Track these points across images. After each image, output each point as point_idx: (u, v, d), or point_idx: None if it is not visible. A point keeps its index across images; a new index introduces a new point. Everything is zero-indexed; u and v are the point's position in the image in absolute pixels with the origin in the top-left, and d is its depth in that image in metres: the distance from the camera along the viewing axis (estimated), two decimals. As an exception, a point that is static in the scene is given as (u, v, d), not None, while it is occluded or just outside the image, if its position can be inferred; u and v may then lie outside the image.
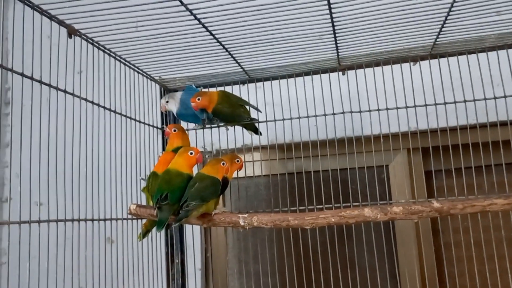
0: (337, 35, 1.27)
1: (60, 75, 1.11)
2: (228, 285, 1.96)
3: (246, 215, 1.21)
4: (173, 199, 1.19)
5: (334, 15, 1.14)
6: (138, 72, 1.49)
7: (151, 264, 1.45)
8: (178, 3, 1.03)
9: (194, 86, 1.58)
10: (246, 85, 1.60)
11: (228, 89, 1.58)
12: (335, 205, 1.41)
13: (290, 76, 1.56)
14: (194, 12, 1.09)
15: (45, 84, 1.09)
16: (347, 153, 1.52)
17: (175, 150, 1.34)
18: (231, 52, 1.36)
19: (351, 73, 1.50)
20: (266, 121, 1.57)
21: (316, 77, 1.54)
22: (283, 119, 1.55)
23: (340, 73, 1.52)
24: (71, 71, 1.14)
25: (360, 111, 1.48)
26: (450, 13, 1.16)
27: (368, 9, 1.09)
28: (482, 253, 1.44)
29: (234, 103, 1.46)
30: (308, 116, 1.52)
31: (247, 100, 1.51)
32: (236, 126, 1.57)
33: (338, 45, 1.34)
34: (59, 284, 1.06)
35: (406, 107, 1.46)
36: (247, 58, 1.42)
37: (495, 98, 1.40)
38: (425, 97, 1.44)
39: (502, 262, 1.40)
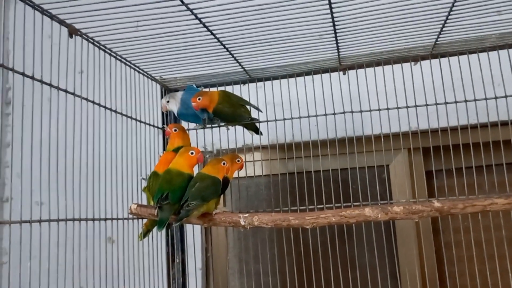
0: (337, 34, 1.27)
1: (61, 74, 1.11)
2: (228, 284, 1.96)
3: (246, 215, 1.21)
4: (174, 199, 1.19)
5: (335, 15, 1.14)
6: (138, 72, 1.49)
7: (151, 264, 1.45)
8: (179, 2, 1.03)
9: (194, 86, 1.58)
10: (246, 84, 1.60)
11: (228, 88, 1.58)
12: (336, 204, 1.41)
13: (290, 75, 1.56)
14: (195, 11, 1.09)
15: (46, 83, 1.09)
16: (348, 153, 1.52)
17: (176, 150, 1.35)
18: (232, 52, 1.36)
19: (351, 72, 1.50)
20: (267, 121, 1.57)
21: (317, 76, 1.54)
22: (284, 119, 1.55)
23: (341, 72, 1.52)
24: (71, 71, 1.15)
25: (361, 111, 1.48)
26: (451, 12, 1.16)
27: (369, 8, 1.09)
28: (483, 252, 1.44)
29: (234, 103, 1.46)
30: (308, 116, 1.52)
31: (247, 100, 1.51)
32: (236, 126, 1.57)
33: (339, 44, 1.34)
34: (60, 283, 1.07)
35: (407, 107, 1.46)
36: (248, 58, 1.42)
37: (496, 98, 1.40)
38: (426, 97, 1.44)
39: (502, 262, 1.39)
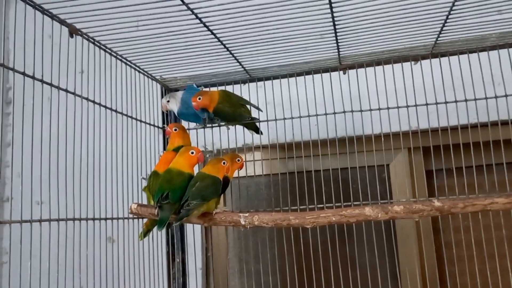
0: (338, 34, 1.27)
1: (62, 74, 1.11)
2: (228, 284, 1.96)
3: (247, 214, 1.21)
4: (174, 198, 1.19)
5: (335, 14, 1.14)
6: (139, 72, 1.49)
7: (152, 264, 1.45)
8: (179, 2, 1.03)
9: (195, 86, 1.58)
10: (247, 84, 1.60)
11: (229, 88, 1.58)
12: (336, 204, 1.41)
13: (291, 75, 1.56)
14: (195, 11, 1.09)
15: (47, 83, 1.09)
16: (348, 152, 1.52)
17: (176, 150, 1.35)
18: (232, 51, 1.36)
19: (352, 72, 1.50)
20: (267, 120, 1.57)
21: (317, 76, 1.54)
22: (284, 119, 1.55)
23: (341, 72, 1.52)
24: (72, 71, 1.15)
25: (361, 110, 1.48)
26: (451, 12, 1.16)
27: (369, 8, 1.09)
28: (483, 252, 1.45)
29: (235, 102, 1.46)
30: (309, 115, 1.52)
31: (248, 100, 1.51)
32: (237, 126, 1.57)
33: (339, 44, 1.34)
34: (60, 283, 1.06)
35: (407, 106, 1.46)
36: (248, 57, 1.42)
37: (496, 97, 1.40)
38: (426, 96, 1.44)
39: (503, 261, 1.39)
